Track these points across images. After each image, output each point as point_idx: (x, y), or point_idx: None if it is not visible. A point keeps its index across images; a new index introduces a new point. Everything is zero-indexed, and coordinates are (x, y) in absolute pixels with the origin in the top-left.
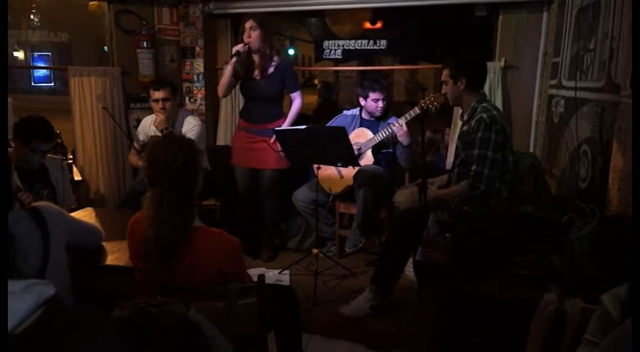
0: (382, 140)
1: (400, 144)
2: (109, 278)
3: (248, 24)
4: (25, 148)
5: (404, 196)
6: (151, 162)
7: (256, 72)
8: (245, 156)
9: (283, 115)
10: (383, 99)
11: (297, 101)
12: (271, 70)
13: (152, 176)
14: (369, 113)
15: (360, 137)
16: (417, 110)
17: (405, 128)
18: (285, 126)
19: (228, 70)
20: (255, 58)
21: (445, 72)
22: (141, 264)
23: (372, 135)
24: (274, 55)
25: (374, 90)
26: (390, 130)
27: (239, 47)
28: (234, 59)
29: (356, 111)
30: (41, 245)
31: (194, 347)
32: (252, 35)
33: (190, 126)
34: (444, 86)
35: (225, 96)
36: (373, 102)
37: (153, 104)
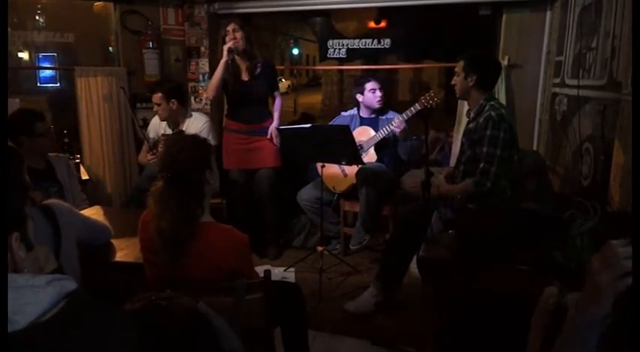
0: (383, 138)
1: (398, 141)
2: (118, 274)
3: (230, 27)
4: (32, 139)
5: (410, 178)
6: (160, 158)
7: (244, 74)
8: (240, 159)
9: (271, 114)
10: (380, 89)
11: (279, 99)
12: (258, 70)
13: (160, 171)
14: (368, 107)
15: (362, 135)
16: (417, 107)
17: (403, 125)
18: (276, 123)
19: (220, 69)
20: (241, 61)
21: (460, 63)
22: (150, 256)
23: (374, 133)
24: (258, 55)
25: (369, 81)
26: (389, 128)
27: (230, 44)
28: (226, 57)
29: (354, 111)
30: (52, 241)
31: (203, 339)
32: (237, 36)
33: (201, 124)
34: (455, 77)
35: (215, 96)
36: (371, 92)
37: None
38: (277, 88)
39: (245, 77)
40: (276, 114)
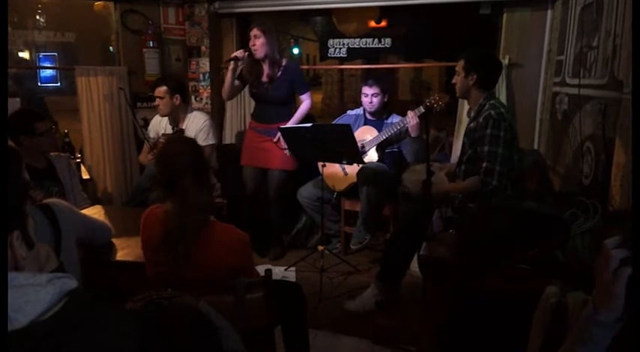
0: (386, 138)
1: (408, 138)
2: (119, 273)
3: (252, 32)
4: (33, 138)
5: (413, 176)
6: (160, 163)
7: (264, 77)
8: (254, 156)
9: (292, 116)
10: (375, 95)
11: (305, 102)
12: (279, 73)
13: (163, 173)
14: (364, 108)
15: (365, 135)
16: (421, 109)
17: (417, 119)
18: (289, 125)
19: (228, 75)
20: (263, 65)
21: (460, 62)
22: (152, 255)
23: (377, 133)
24: (283, 59)
25: (365, 85)
26: (396, 128)
27: (238, 53)
28: (231, 65)
29: (360, 110)
30: (53, 240)
31: (205, 338)
32: (256, 43)
33: (201, 122)
34: (455, 76)
35: (229, 99)
36: (363, 96)
37: None
38: (304, 91)
39: (265, 79)
40: (294, 116)
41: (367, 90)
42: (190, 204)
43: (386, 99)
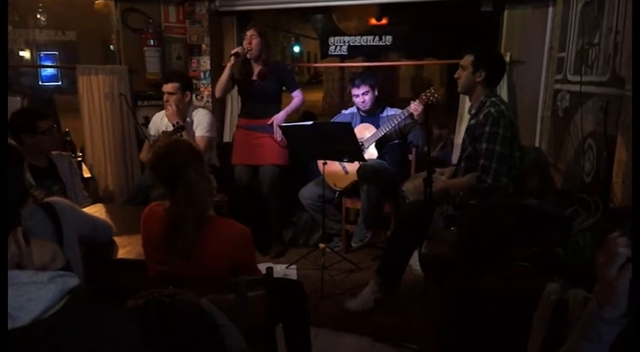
0: (385, 134)
1: (417, 126)
2: (120, 271)
3: (249, 32)
4: (34, 137)
5: (412, 184)
6: (157, 167)
7: (255, 75)
8: (245, 154)
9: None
10: (365, 93)
11: (297, 98)
12: (269, 71)
13: (164, 170)
14: (359, 108)
15: (363, 133)
16: (418, 103)
17: (420, 108)
18: (280, 116)
19: (226, 71)
20: (255, 66)
21: (468, 58)
22: (154, 252)
23: (375, 130)
24: (272, 60)
25: (352, 86)
26: (394, 121)
27: (238, 49)
28: (232, 60)
29: (354, 109)
30: (54, 239)
31: (207, 336)
32: (253, 43)
33: (201, 116)
34: (459, 70)
35: (221, 96)
36: (354, 97)
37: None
38: (295, 88)
39: (255, 77)
40: (285, 109)
41: (356, 90)
42: (192, 197)
43: (376, 94)
